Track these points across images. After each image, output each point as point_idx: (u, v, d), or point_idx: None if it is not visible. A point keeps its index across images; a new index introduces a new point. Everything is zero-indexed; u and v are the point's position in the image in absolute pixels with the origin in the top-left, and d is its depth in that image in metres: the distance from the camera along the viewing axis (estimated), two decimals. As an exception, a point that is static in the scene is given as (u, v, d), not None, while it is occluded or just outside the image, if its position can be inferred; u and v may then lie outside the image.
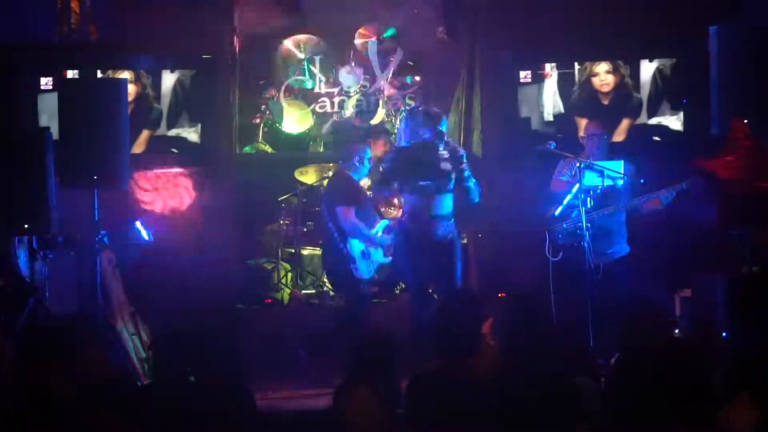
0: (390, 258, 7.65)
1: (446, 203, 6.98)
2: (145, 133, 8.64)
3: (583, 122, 8.32)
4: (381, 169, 7.36)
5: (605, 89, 8.63)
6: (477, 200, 7.11)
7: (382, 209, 8.60)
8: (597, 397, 4.35)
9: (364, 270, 7.53)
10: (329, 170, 8.89)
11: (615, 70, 8.61)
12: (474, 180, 7.02)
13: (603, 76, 8.62)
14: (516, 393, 3.83)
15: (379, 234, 7.58)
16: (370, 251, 7.56)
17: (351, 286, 7.66)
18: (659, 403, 3.25)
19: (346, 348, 4.90)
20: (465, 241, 8.06)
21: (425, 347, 6.38)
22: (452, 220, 7.03)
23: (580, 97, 8.64)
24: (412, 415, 4.27)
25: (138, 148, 8.52)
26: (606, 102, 8.62)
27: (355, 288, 7.63)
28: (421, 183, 6.91)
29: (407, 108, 9.43)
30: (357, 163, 7.66)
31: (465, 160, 6.97)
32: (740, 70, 7.01)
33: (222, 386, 4.54)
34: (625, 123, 8.60)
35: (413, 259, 7.00)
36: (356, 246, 7.52)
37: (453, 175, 6.94)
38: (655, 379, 3.31)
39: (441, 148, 6.93)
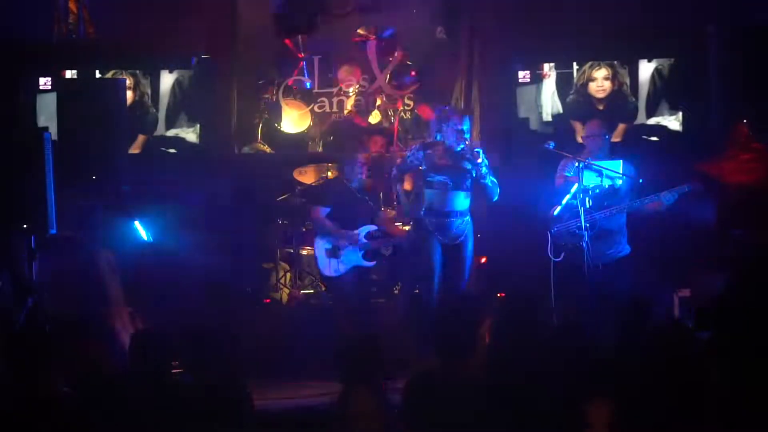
0: (373, 262, 7.64)
1: (462, 200, 7.06)
2: (140, 138, 8.65)
3: (578, 126, 8.32)
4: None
5: (600, 95, 8.61)
6: (495, 198, 7.15)
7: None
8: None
9: (326, 268, 7.59)
10: (328, 170, 8.89)
11: (614, 77, 8.58)
12: (493, 178, 7.06)
13: (601, 82, 8.60)
14: (503, 392, 3.86)
15: (358, 234, 7.57)
16: (340, 250, 7.56)
17: (328, 283, 7.85)
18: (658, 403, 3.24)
19: (333, 349, 4.90)
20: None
21: (423, 347, 6.41)
22: (468, 217, 7.12)
23: (575, 101, 8.63)
24: (410, 415, 4.26)
25: (134, 150, 8.53)
26: (601, 107, 8.59)
27: (330, 285, 7.81)
28: (438, 178, 7.00)
29: (405, 107, 9.42)
30: (355, 172, 7.70)
31: (483, 157, 7.00)
32: (740, 70, 7.01)
33: (220, 386, 4.53)
34: (620, 127, 8.58)
35: (427, 250, 7.06)
36: (320, 244, 7.61)
37: (472, 174, 7.00)
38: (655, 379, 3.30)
39: (462, 146, 6.97)
